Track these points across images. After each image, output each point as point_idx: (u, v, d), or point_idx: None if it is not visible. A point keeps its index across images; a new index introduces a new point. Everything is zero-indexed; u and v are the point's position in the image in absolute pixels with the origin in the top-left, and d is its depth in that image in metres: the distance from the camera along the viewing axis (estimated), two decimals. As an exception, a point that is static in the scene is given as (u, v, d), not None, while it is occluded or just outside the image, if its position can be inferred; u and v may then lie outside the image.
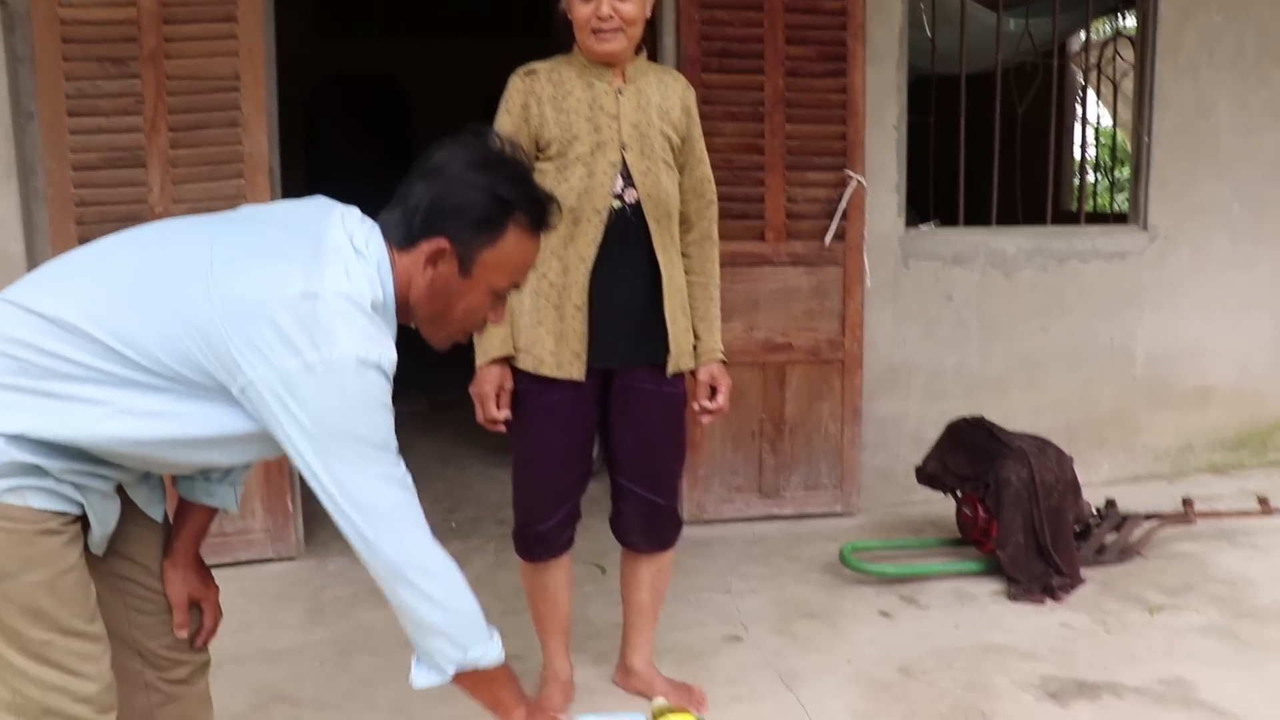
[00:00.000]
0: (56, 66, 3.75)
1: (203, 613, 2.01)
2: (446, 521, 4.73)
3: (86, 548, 1.75)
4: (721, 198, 4.37)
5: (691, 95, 2.90)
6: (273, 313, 1.61)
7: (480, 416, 2.82)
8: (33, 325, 1.63)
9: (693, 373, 2.94)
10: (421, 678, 1.84)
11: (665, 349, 2.82)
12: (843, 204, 4.49)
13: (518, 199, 1.79)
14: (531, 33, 7.25)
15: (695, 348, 2.92)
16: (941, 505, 4.53)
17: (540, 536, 2.92)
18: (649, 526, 2.99)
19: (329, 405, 1.65)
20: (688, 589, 3.88)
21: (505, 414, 2.81)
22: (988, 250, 4.99)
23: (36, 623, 1.65)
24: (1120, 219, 5.62)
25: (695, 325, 2.92)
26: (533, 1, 7.50)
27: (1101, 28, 7.84)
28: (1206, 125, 5.24)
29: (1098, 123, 9.03)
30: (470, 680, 1.83)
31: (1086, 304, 5.15)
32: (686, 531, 4.38)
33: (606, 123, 2.72)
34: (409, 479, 1.78)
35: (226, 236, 1.72)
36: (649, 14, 2.75)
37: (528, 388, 2.79)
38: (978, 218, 5.11)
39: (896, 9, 4.72)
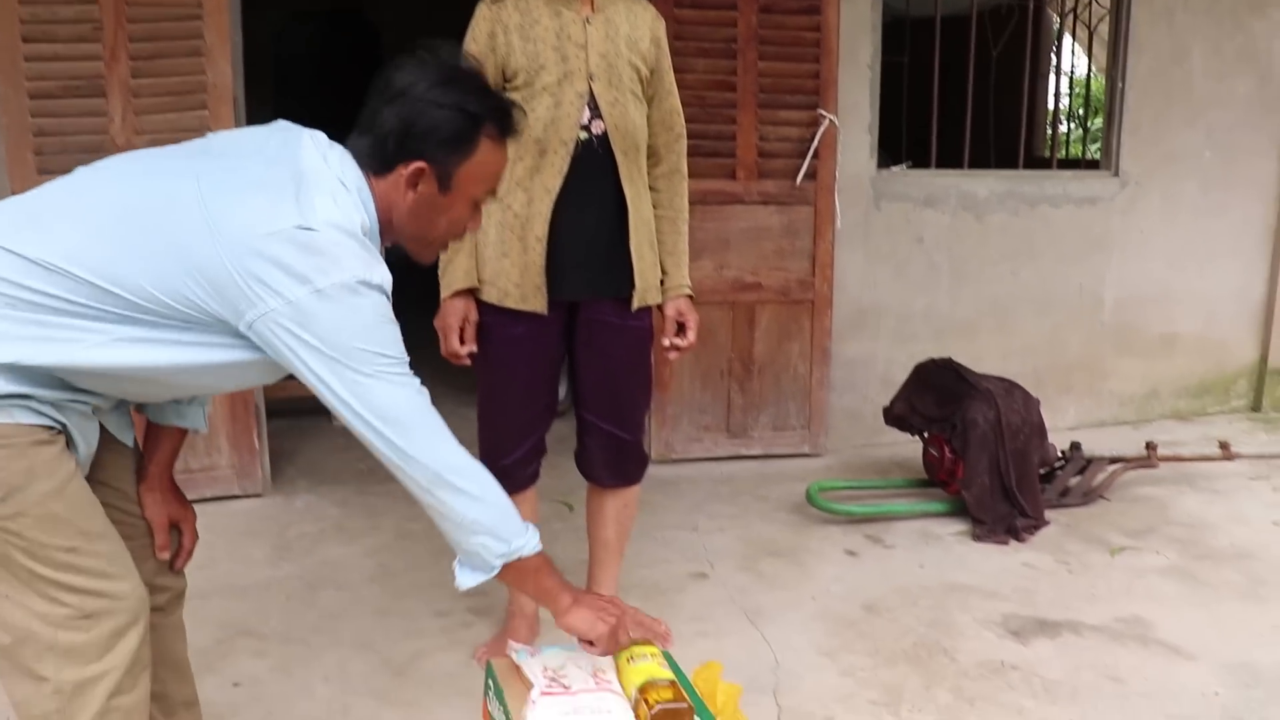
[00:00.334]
0: (10, -10, 3.66)
1: (181, 534, 2.02)
2: (414, 459, 4.70)
3: None
4: (692, 135, 4.34)
5: (661, 26, 2.84)
6: (274, 248, 1.61)
7: (444, 350, 2.79)
8: (16, 265, 1.60)
9: (660, 308, 2.92)
10: (467, 579, 1.91)
11: (631, 283, 2.79)
12: (815, 143, 4.47)
13: (485, 111, 1.80)
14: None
15: (663, 283, 2.90)
16: (909, 446, 4.56)
17: (504, 470, 2.89)
18: (614, 461, 2.97)
19: (342, 327, 1.67)
20: (655, 527, 3.89)
21: (470, 347, 2.78)
22: (959, 193, 4.98)
23: (56, 531, 1.66)
24: (1092, 167, 5.61)
25: (663, 260, 2.89)
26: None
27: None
28: (1180, 71, 5.23)
29: (1072, 70, 9.00)
30: (515, 573, 1.92)
31: (1056, 249, 5.16)
32: (654, 470, 4.40)
33: (574, 52, 2.67)
34: (424, 388, 1.82)
35: (211, 173, 1.69)
36: None
37: (492, 320, 2.77)
38: (950, 160, 5.10)
39: (872, -54, 4.67)
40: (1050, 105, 7.65)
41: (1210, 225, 5.41)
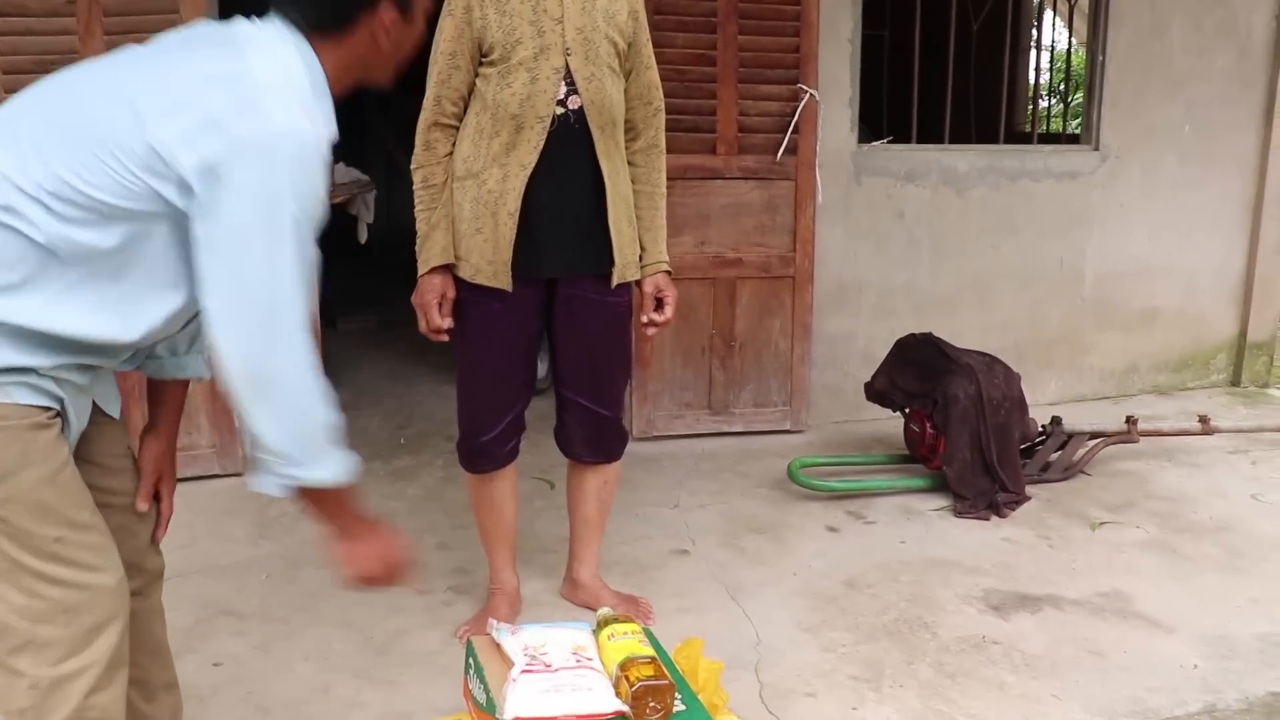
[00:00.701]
0: (-20, -37, 3.60)
1: (159, 500, 1.99)
2: (395, 437, 4.70)
3: None
4: (672, 110, 4.33)
5: None
6: (199, 99, 1.57)
7: (423, 326, 2.78)
8: None
9: (639, 284, 2.90)
10: (260, 485, 1.74)
11: (609, 259, 2.78)
12: (795, 118, 4.45)
13: None
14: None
15: (641, 258, 2.88)
16: (890, 423, 4.56)
17: (483, 448, 2.90)
18: (593, 437, 2.97)
19: (258, 184, 1.57)
20: (636, 504, 3.89)
21: (448, 323, 2.77)
22: (940, 168, 4.97)
23: (45, 519, 1.63)
24: (1072, 141, 5.61)
25: (641, 235, 2.87)
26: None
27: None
28: (1160, 45, 5.23)
29: (1053, 45, 8.99)
30: (312, 498, 1.76)
31: (1037, 223, 5.16)
32: (635, 447, 4.40)
33: (550, 26, 2.64)
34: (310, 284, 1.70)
35: (137, 62, 1.67)
36: None
37: (469, 296, 2.75)
38: (931, 135, 5.08)
39: (853, -81, 4.64)
40: (1031, 80, 7.65)
41: (1190, 199, 5.42)
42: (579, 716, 1.94)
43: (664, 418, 4.63)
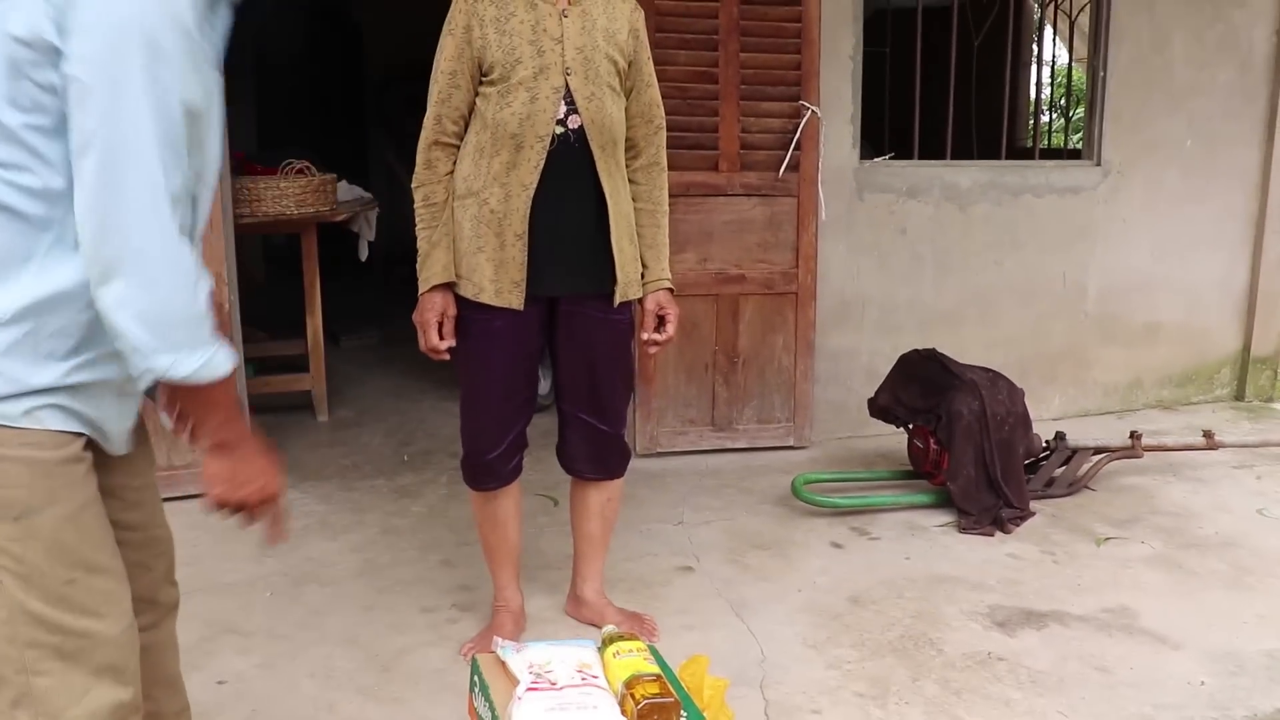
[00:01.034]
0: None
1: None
2: (399, 454, 4.70)
3: None
4: (675, 127, 4.34)
5: (640, 17, 2.82)
6: None
7: (423, 345, 2.77)
8: None
9: (640, 302, 2.90)
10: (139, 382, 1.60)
11: (611, 278, 2.78)
12: (797, 135, 4.46)
13: None
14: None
15: (643, 276, 2.88)
16: (893, 438, 4.56)
17: (487, 465, 2.90)
18: (595, 454, 2.97)
19: (96, 21, 1.44)
20: (640, 520, 3.88)
21: (448, 342, 2.77)
22: (942, 184, 4.98)
23: (61, 560, 1.56)
24: (1074, 156, 5.62)
25: (643, 253, 2.87)
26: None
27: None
28: (1161, 60, 5.24)
29: (1053, 61, 9.01)
30: (183, 397, 1.62)
31: (1040, 239, 5.17)
32: (639, 464, 4.40)
33: (550, 46, 2.64)
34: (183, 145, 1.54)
35: None
36: None
37: (470, 314, 2.75)
38: (933, 151, 5.09)
39: (854, -63, 4.66)
40: (1032, 95, 7.66)
41: (1193, 214, 5.42)
42: (584, 734, 1.93)
43: (667, 434, 4.63)
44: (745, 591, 3.37)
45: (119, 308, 1.50)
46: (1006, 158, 5.34)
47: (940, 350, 4.23)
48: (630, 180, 2.85)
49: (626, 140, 2.82)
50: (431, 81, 2.73)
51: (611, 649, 2.16)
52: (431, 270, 2.74)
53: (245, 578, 3.45)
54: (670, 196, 4.33)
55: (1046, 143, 7.96)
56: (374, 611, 3.24)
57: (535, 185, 2.66)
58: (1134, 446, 4.35)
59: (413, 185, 2.79)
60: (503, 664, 2.15)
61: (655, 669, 2.09)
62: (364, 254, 5.74)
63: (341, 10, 9.49)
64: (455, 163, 2.76)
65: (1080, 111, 7.28)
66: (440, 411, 5.26)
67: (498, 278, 2.70)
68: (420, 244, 2.77)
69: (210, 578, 3.42)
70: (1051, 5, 6.67)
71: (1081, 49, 6.11)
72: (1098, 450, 4.34)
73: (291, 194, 4.78)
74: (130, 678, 1.66)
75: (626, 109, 2.80)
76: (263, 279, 6.98)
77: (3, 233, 1.50)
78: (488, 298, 2.71)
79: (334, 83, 9.60)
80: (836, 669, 2.91)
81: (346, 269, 6.75)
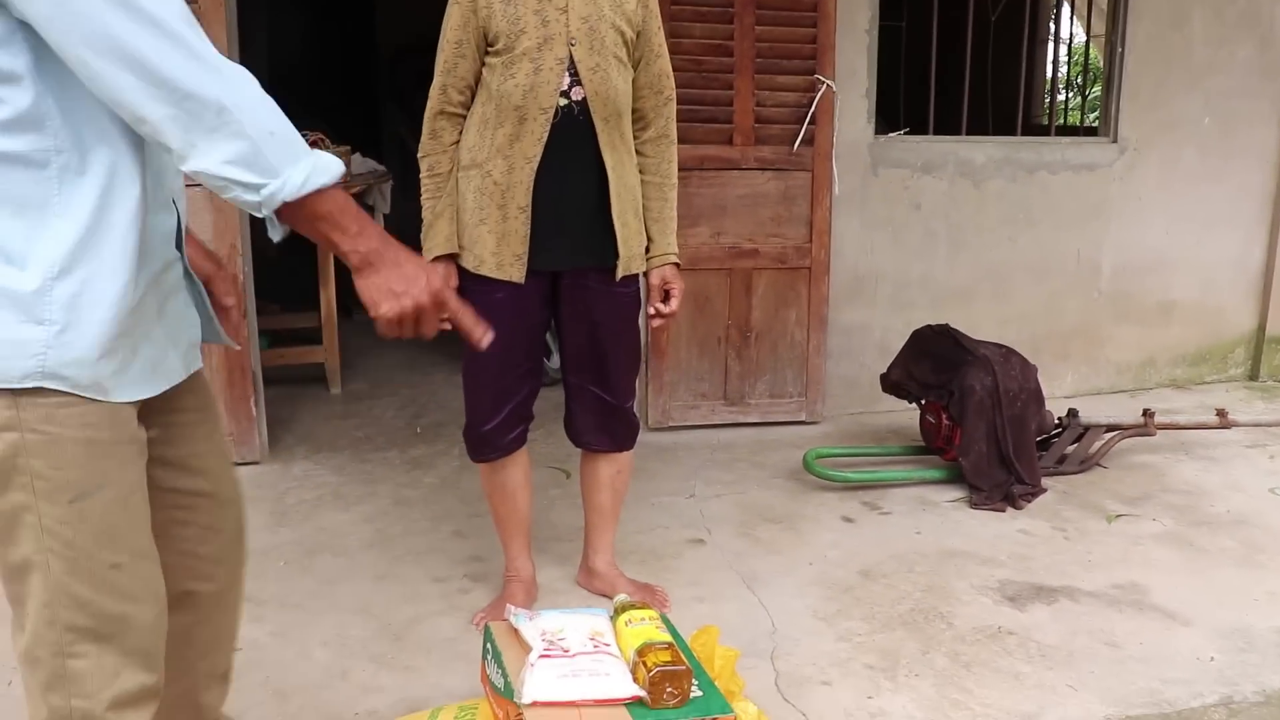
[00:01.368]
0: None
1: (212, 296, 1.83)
2: (411, 427, 4.72)
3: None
4: (689, 101, 4.34)
5: None
6: None
7: None
8: None
9: (646, 276, 2.89)
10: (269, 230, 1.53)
11: (615, 251, 2.76)
12: (812, 109, 4.44)
13: None
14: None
15: (648, 250, 2.86)
16: (906, 414, 4.56)
17: (485, 436, 2.90)
18: (602, 425, 2.96)
19: None
20: (652, 493, 3.89)
21: None
22: (957, 159, 4.96)
23: (109, 544, 1.55)
24: (1090, 134, 5.59)
25: (649, 227, 2.85)
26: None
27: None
28: (1180, 36, 5.20)
29: (1070, 38, 8.95)
30: (311, 215, 1.52)
31: (1054, 216, 5.14)
32: (651, 437, 4.42)
33: (555, 16, 2.61)
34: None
35: None
36: None
37: (472, 286, 2.73)
38: (948, 126, 5.07)
39: (871, -90, 4.63)
40: (1049, 72, 7.62)
41: (1209, 192, 5.39)
42: (597, 701, 1.95)
43: (680, 408, 4.64)
44: (756, 564, 3.38)
45: (212, 157, 1.43)
46: (1022, 134, 5.31)
47: (953, 326, 4.23)
48: (638, 153, 2.83)
49: (635, 112, 2.80)
50: (438, 51, 2.71)
51: (624, 617, 2.18)
52: (434, 241, 2.73)
53: (258, 547, 3.45)
54: (684, 170, 4.32)
55: (1063, 120, 7.92)
56: (386, 581, 3.25)
57: (539, 158, 2.65)
58: (1146, 424, 4.34)
59: (419, 155, 2.79)
60: (515, 631, 2.17)
61: (667, 637, 2.11)
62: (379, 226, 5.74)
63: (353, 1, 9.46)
64: (461, 133, 2.76)
65: (1097, 89, 7.24)
66: (452, 384, 5.26)
67: (499, 250, 2.69)
68: (425, 214, 2.77)
69: (224, 546, 3.44)
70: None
71: (1099, 26, 6.07)
72: (1110, 428, 4.33)
73: (305, 166, 4.77)
74: (157, 662, 1.67)
75: (635, 80, 2.77)
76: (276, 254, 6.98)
77: (10, 185, 1.44)
78: (489, 270, 2.71)
79: (347, 57, 9.59)
80: (847, 641, 2.92)
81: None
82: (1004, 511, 3.82)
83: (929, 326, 4.26)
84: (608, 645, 2.09)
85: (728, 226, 4.50)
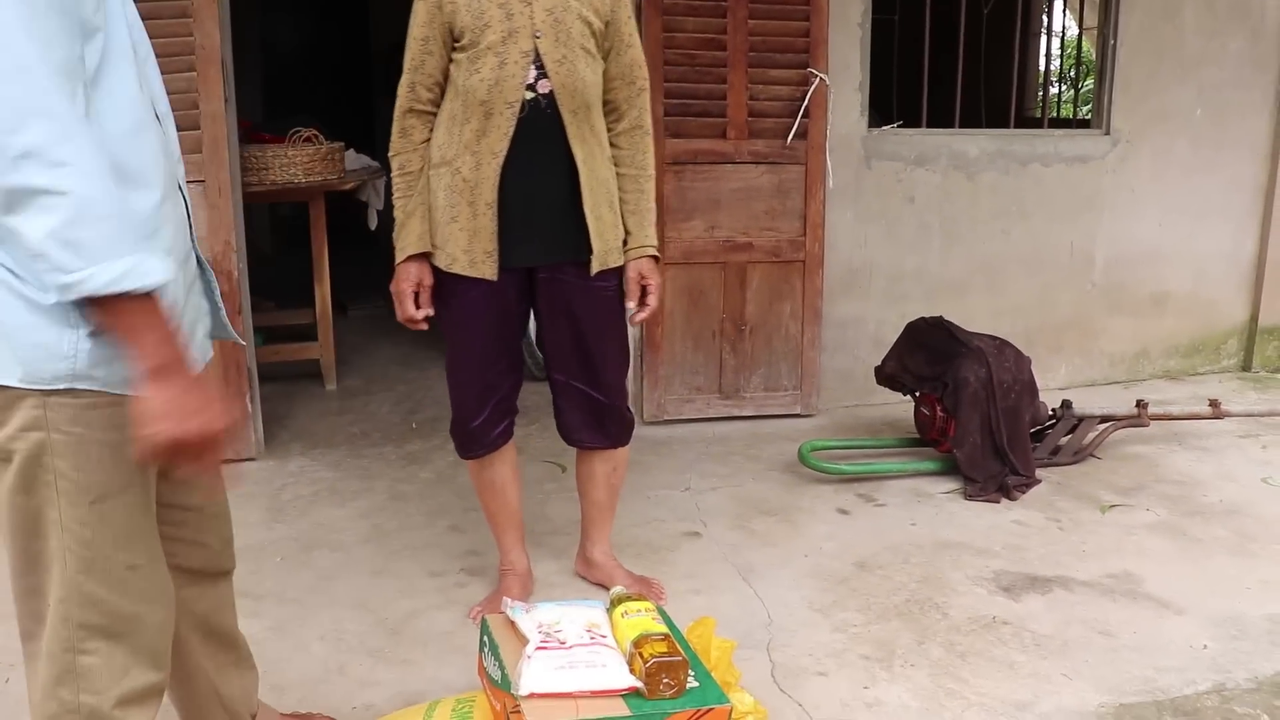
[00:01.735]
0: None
1: None
2: (407, 422, 4.72)
3: None
4: (683, 95, 4.36)
5: None
6: None
7: (399, 315, 2.76)
8: None
9: (624, 269, 2.84)
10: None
11: (589, 246, 2.72)
12: (805, 102, 4.44)
13: None
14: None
15: (625, 243, 2.82)
16: (900, 407, 4.57)
17: (469, 433, 2.90)
18: (593, 422, 2.93)
19: None
20: (647, 487, 3.90)
21: (425, 311, 2.75)
22: (950, 152, 4.97)
23: (128, 546, 1.57)
24: (1083, 126, 5.60)
25: (625, 219, 2.80)
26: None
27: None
28: (1172, 28, 5.21)
29: (1063, 31, 8.96)
30: (108, 312, 1.43)
31: (1047, 208, 5.16)
32: (646, 431, 4.42)
33: (519, 9, 2.58)
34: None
35: None
36: None
37: (448, 284, 2.72)
38: (941, 119, 5.08)
39: (863, -97, 4.64)
40: (1042, 65, 7.63)
41: (1201, 184, 5.40)
42: (594, 692, 1.96)
43: (675, 402, 4.65)
44: (752, 556, 3.39)
45: (22, 219, 1.34)
46: (1015, 127, 5.32)
47: (947, 319, 4.24)
48: (612, 144, 2.78)
49: (607, 103, 2.76)
50: (406, 48, 2.69)
51: (620, 609, 2.19)
52: (407, 240, 2.71)
53: (255, 543, 3.48)
54: (677, 164, 4.34)
55: (1055, 113, 7.93)
56: (383, 576, 3.26)
57: (505, 153, 2.62)
58: (1140, 415, 4.35)
59: (389, 154, 2.76)
60: (512, 624, 2.18)
61: (663, 628, 2.12)
62: (373, 223, 5.75)
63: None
64: (431, 131, 2.73)
65: (1089, 82, 7.25)
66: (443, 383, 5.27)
67: (471, 247, 2.66)
68: (396, 213, 2.74)
69: (221, 542, 3.44)
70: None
71: (1091, 18, 6.08)
72: (1104, 419, 4.35)
73: (299, 162, 4.78)
74: (164, 662, 1.69)
75: (606, 71, 2.73)
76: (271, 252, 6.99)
77: None
78: (461, 268, 2.68)
79: (341, 54, 9.58)
80: (842, 632, 2.93)
81: (354, 238, 6.76)
82: (998, 503, 3.83)
83: (923, 319, 4.27)
84: (604, 637, 2.10)
85: (722, 220, 4.51)
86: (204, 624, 1.92)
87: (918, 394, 4.20)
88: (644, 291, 2.84)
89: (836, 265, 4.80)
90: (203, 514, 1.87)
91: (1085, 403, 4.46)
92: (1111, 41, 5.16)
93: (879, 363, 4.33)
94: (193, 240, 1.72)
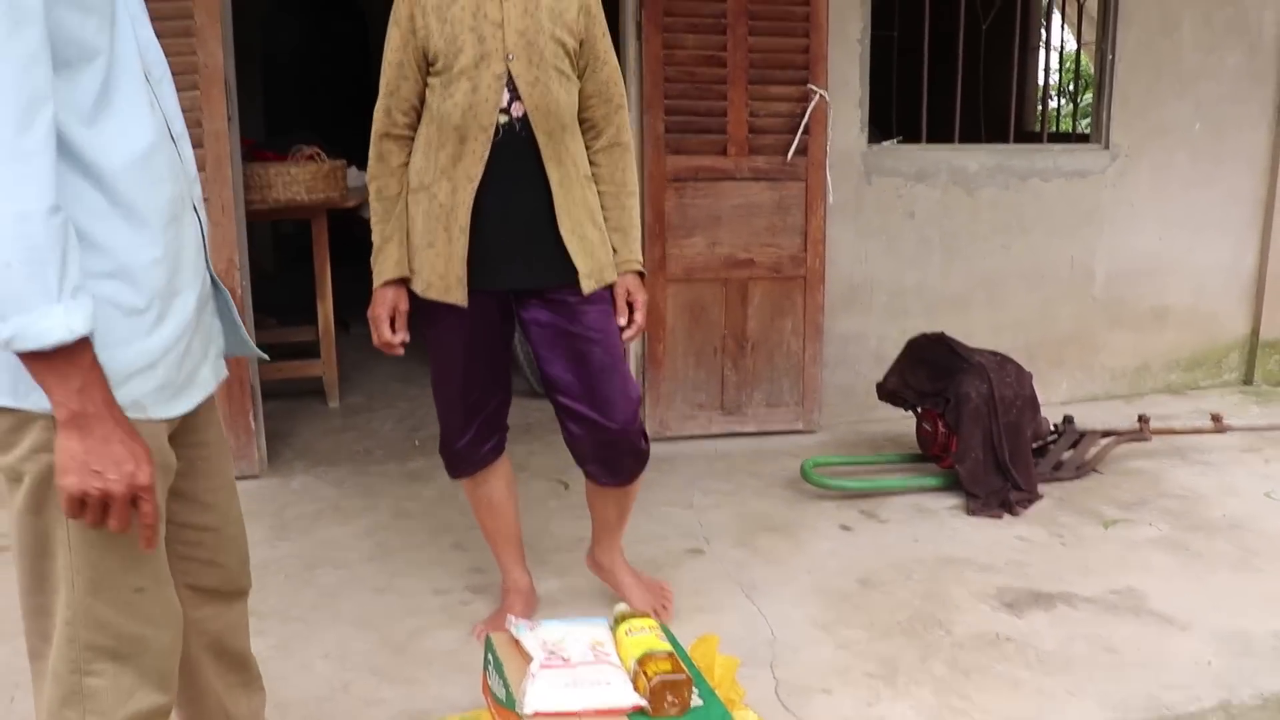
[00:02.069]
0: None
1: None
2: (410, 440, 4.73)
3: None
4: (683, 112, 4.38)
5: None
6: None
7: (375, 340, 2.75)
8: None
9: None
10: None
11: (572, 268, 2.68)
12: (805, 119, 4.46)
13: None
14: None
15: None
16: (902, 422, 4.57)
17: (459, 453, 2.89)
18: (605, 457, 2.86)
19: None
20: (650, 504, 3.89)
21: (401, 336, 2.74)
22: (950, 167, 4.98)
23: (136, 568, 1.57)
24: (1082, 140, 5.62)
25: (611, 236, 2.76)
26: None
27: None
28: (1170, 43, 5.23)
29: (1062, 46, 8.99)
30: (36, 364, 1.39)
31: (1047, 222, 5.17)
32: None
33: (491, 32, 2.56)
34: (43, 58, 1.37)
35: None
36: None
37: (427, 308, 2.71)
38: (940, 135, 5.09)
39: (862, -79, 4.66)
40: (1040, 80, 7.66)
41: (1200, 198, 5.41)
42: (598, 711, 1.96)
43: (677, 418, 4.65)
44: (755, 573, 3.40)
45: None
46: (1014, 141, 5.33)
47: (948, 334, 4.24)
48: (591, 162, 2.76)
49: (585, 121, 2.73)
50: (381, 72, 2.68)
51: (624, 627, 2.19)
52: (384, 265, 2.70)
53: (259, 561, 3.43)
54: (678, 181, 4.35)
55: (1055, 128, 7.95)
56: (387, 594, 3.26)
57: (480, 177, 2.59)
58: (1142, 430, 4.36)
59: (367, 178, 2.75)
60: (516, 642, 2.18)
61: (667, 646, 2.12)
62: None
63: (346, 2, 9.50)
64: (409, 154, 2.72)
65: (1088, 96, 7.27)
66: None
67: (446, 273, 2.64)
68: (374, 237, 2.73)
69: (224, 561, 3.44)
70: (1060, -11, 6.66)
71: (1089, 34, 6.10)
72: (1105, 433, 4.35)
73: (302, 180, 4.80)
74: (171, 684, 1.69)
75: (583, 89, 2.70)
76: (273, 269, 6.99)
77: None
78: (435, 294, 2.66)
79: (341, 71, 9.62)
80: (846, 649, 2.93)
81: (355, 254, 6.76)
82: (1001, 518, 3.83)
83: (924, 335, 4.28)
84: (608, 655, 2.10)
85: (723, 237, 4.52)
86: (217, 644, 1.92)
87: (919, 410, 4.21)
88: (631, 308, 2.81)
89: (837, 281, 4.81)
90: (220, 534, 1.85)
91: (1087, 417, 4.47)
92: (1110, 57, 5.18)
93: (880, 378, 4.34)
94: (207, 260, 1.72)
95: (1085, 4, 6.08)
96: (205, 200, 3.82)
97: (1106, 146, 5.24)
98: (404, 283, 2.73)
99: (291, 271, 7.60)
